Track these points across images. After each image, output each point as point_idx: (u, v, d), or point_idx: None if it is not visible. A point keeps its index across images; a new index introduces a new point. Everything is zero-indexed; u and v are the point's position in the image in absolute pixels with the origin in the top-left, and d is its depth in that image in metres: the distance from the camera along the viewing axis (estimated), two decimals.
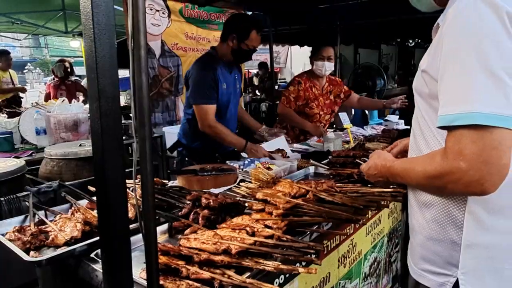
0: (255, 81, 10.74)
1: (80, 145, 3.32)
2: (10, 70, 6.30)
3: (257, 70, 10.82)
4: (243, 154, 2.62)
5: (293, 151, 2.78)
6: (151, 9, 4.53)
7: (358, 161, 1.98)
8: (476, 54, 0.83)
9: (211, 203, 1.45)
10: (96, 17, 0.57)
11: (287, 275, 1.34)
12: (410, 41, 10.42)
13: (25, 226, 1.47)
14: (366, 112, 4.30)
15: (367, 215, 1.80)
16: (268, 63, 7.02)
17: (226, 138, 2.59)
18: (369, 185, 1.71)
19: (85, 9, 0.59)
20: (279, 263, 1.05)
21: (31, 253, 1.29)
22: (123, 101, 8.24)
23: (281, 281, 1.32)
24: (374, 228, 2.06)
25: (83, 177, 2.79)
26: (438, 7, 1.07)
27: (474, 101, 0.83)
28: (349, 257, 1.82)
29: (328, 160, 2.35)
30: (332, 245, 1.63)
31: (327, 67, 3.27)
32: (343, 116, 2.99)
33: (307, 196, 1.54)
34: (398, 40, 9.87)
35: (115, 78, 0.65)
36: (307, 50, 7.86)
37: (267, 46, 5.82)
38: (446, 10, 0.94)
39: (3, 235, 1.39)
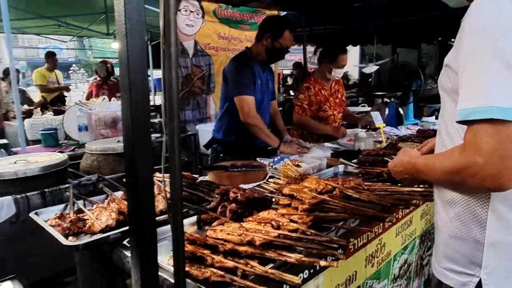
0: (289, 81, 10.74)
1: (118, 141, 3.49)
2: (56, 71, 6.69)
3: (292, 71, 10.81)
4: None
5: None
6: (186, 10, 4.66)
7: (387, 158, 1.95)
8: (493, 49, 0.84)
9: (239, 197, 1.48)
10: (128, 14, 0.62)
11: (312, 271, 1.35)
12: (452, 40, 10.01)
13: (65, 213, 1.57)
14: (401, 112, 4.19)
15: (395, 214, 1.77)
16: (302, 63, 6.99)
17: (263, 132, 2.66)
18: (399, 185, 1.68)
19: (118, 6, 0.63)
20: (302, 256, 1.06)
21: (70, 238, 1.38)
22: (159, 101, 8.52)
23: (305, 276, 1.33)
24: (405, 229, 2.01)
25: (120, 171, 2.92)
26: (467, 2, 1.05)
27: (491, 96, 0.83)
28: (377, 257, 1.80)
29: (357, 159, 2.33)
30: (359, 244, 1.62)
31: (342, 73, 3.35)
32: (375, 115, 2.93)
33: (334, 192, 1.54)
34: (440, 39, 9.51)
35: (144, 71, 0.70)
36: None
37: (302, 47, 5.82)
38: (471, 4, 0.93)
39: (45, 221, 1.50)
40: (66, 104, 6.43)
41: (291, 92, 9.64)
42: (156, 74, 8.61)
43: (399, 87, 4.96)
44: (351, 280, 1.62)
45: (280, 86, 10.02)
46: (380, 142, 2.86)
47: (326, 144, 3.03)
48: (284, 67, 12.19)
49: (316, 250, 1.09)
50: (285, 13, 5.32)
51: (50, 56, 6.31)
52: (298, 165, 2.13)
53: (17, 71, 6.22)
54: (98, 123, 4.09)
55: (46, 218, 1.55)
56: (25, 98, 6.46)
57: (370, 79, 9.06)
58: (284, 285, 1.22)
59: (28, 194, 2.61)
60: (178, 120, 0.91)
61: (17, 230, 2.58)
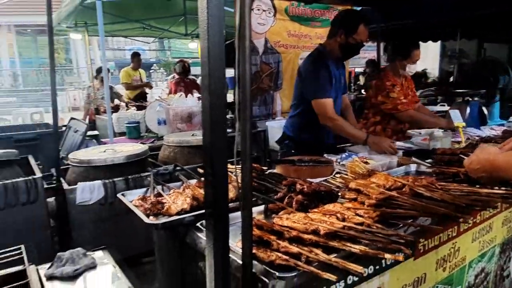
0: (361, 79, 10.40)
1: (193, 134, 3.72)
2: (140, 69, 7.27)
3: (364, 68, 10.46)
4: (354, 148, 2.63)
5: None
6: (258, 9, 4.79)
7: (462, 156, 1.83)
8: None
9: (305, 189, 1.52)
10: (210, 10, 0.69)
11: (377, 266, 1.34)
12: None
13: (146, 196, 1.74)
14: (485, 111, 3.85)
15: (473, 218, 1.67)
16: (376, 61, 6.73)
17: (347, 130, 2.64)
18: (477, 186, 1.58)
19: (201, 3, 0.71)
20: (366, 248, 1.07)
21: (150, 217, 1.53)
22: (230, 98, 8.81)
23: (370, 271, 1.32)
24: (484, 235, 1.88)
25: (194, 162, 3.11)
26: None
27: None
28: (450, 261, 1.71)
29: (432, 158, 2.21)
30: (429, 245, 1.56)
31: (415, 68, 3.23)
32: (454, 114, 2.74)
33: (403, 189, 1.50)
34: None
35: (223, 63, 0.76)
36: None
37: (375, 43, 5.63)
38: None
39: (130, 202, 1.68)
40: (148, 100, 6.98)
41: (363, 91, 9.34)
42: (228, 73, 8.90)
43: (483, 84, 4.55)
44: (419, 282, 1.57)
45: (352, 84, 9.76)
46: (459, 142, 2.68)
47: (398, 143, 2.92)
48: (356, 65, 11.84)
49: (382, 243, 1.09)
50: (359, 8, 5.20)
51: (135, 56, 6.89)
52: (366, 162, 2.10)
53: (108, 70, 6.88)
54: (175, 118, 4.38)
55: (130, 199, 1.72)
56: (112, 94, 7.13)
57: (451, 77, 8.43)
58: (348, 277, 1.23)
59: (114, 179, 2.92)
60: (250, 108, 0.97)
61: (105, 211, 2.90)
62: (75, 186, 2.79)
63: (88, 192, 2.83)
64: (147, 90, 7.36)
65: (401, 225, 1.35)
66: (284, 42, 5.21)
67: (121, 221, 2.93)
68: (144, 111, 5.33)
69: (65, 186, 2.83)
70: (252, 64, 4.87)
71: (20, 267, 1.18)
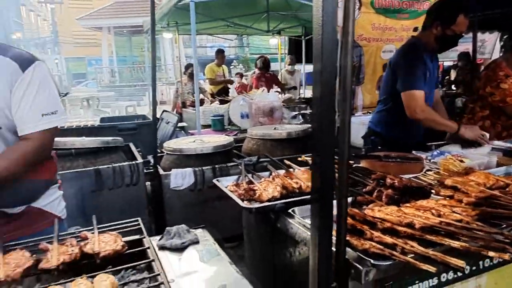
0: (452, 74, 9.63)
1: (275, 128, 3.84)
2: (223, 66, 7.62)
3: (455, 62, 9.67)
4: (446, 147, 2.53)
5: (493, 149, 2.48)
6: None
7: None
8: None
9: (396, 184, 1.51)
10: (325, 8, 0.75)
11: (474, 267, 1.29)
12: None
13: (239, 182, 1.87)
14: None
15: None
16: (471, 54, 6.21)
17: (439, 122, 2.55)
18: None
19: (317, 1, 0.77)
20: (466, 244, 1.05)
21: (244, 202, 1.65)
22: (309, 94, 8.80)
23: (466, 272, 1.28)
24: None
25: (276, 155, 3.19)
26: None
27: None
28: None
29: None
30: None
31: None
32: None
33: (507, 189, 1.41)
34: None
35: (334, 57, 0.81)
36: None
37: (470, 35, 5.20)
38: None
39: (225, 187, 1.82)
40: (230, 95, 7.30)
41: (453, 87, 8.66)
42: (307, 68, 8.90)
43: None
44: None
45: (439, 79, 9.09)
46: None
47: (496, 142, 2.69)
48: (444, 58, 10.97)
49: (484, 241, 1.06)
50: None
51: (220, 53, 7.24)
52: (461, 161, 1.99)
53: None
54: (257, 112, 4.54)
55: (225, 185, 1.87)
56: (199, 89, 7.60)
57: None
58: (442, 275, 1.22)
59: (203, 168, 3.15)
60: (350, 100, 1.01)
61: (194, 197, 3.15)
62: (169, 172, 3.07)
63: (181, 178, 3.09)
64: (229, 85, 7.69)
65: (504, 225, 1.28)
66: (367, 35, 5.08)
67: (208, 207, 3.16)
68: (226, 105, 5.61)
69: (161, 171, 3.13)
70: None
71: (137, 236, 1.37)
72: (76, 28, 28.12)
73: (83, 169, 2.84)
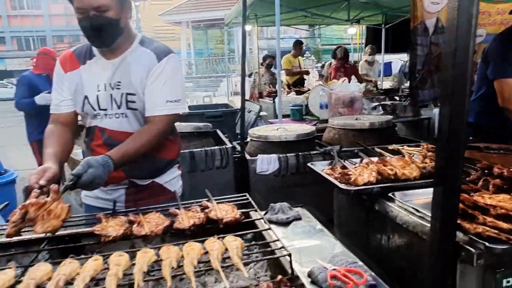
0: None
1: (356, 119, 3.81)
2: (299, 57, 7.67)
3: None
4: None
5: None
6: None
7: None
8: None
9: (505, 174, 1.47)
10: None
11: None
12: None
13: (333, 166, 1.94)
14: None
15: None
16: None
17: None
18: None
19: None
20: None
21: (342, 185, 1.72)
22: (387, 85, 8.49)
23: None
24: None
25: (357, 145, 3.21)
26: None
27: None
28: None
29: None
30: None
31: None
32: None
33: None
34: None
35: (469, 37, 0.83)
36: None
37: None
38: None
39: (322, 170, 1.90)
40: (305, 85, 7.34)
41: None
42: (386, 58, 8.57)
43: None
44: None
45: None
46: None
47: None
48: None
49: None
50: None
51: (298, 44, 7.30)
52: None
53: (273, 58, 7.48)
54: (337, 102, 4.53)
55: (320, 169, 1.95)
56: (274, 80, 7.74)
57: None
58: None
59: (287, 154, 3.26)
60: (469, 89, 1.02)
61: (278, 182, 3.28)
62: (255, 158, 3.23)
63: (266, 164, 3.24)
64: (305, 76, 7.72)
65: None
66: None
67: (291, 192, 3.27)
68: (303, 96, 5.66)
69: (247, 156, 3.30)
70: (423, 45, 4.62)
71: (247, 210, 1.52)
72: (157, 24, 29.98)
73: (180, 151, 3.12)
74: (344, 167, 1.97)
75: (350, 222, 1.92)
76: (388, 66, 10.75)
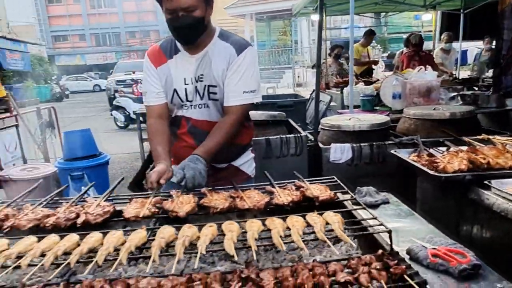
0: None
1: (434, 109, 3.67)
2: (368, 47, 7.46)
3: None
4: None
5: None
6: None
7: None
8: None
9: None
10: None
11: None
12: None
13: (419, 154, 1.93)
14: None
15: None
16: None
17: None
18: None
19: None
20: None
21: (432, 171, 1.71)
22: (465, 75, 7.95)
23: None
24: None
25: (435, 136, 3.09)
26: None
27: None
28: None
29: None
30: None
31: None
32: None
33: None
34: None
35: None
36: None
37: None
38: None
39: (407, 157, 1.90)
40: (373, 76, 7.13)
41: None
42: (464, 46, 8.00)
43: None
44: None
45: None
46: None
47: None
48: None
49: None
50: None
51: (369, 34, 7.11)
52: None
53: (341, 47, 7.37)
54: (412, 92, 4.38)
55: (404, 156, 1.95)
56: (342, 70, 7.62)
57: None
58: None
59: (361, 144, 3.25)
60: None
61: (351, 171, 3.29)
62: (329, 146, 3.26)
63: (340, 152, 3.26)
64: (373, 66, 7.50)
65: None
66: None
67: (363, 182, 3.24)
68: (372, 86, 5.53)
69: (321, 145, 3.35)
70: (509, 29, 4.27)
71: (336, 191, 1.58)
72: (221, 17, 30.67)
73: (256, 138, 3.26)
74: (430, 155, 1.95)
75: (436, 211, 1.89)
76: (464, 54, 10.03)
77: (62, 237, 1.19)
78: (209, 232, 1.16)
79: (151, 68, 1.86)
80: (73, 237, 1.19)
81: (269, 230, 1.18)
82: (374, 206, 1.56)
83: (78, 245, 1.15)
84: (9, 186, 3.48)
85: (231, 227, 1.18)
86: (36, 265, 1.08)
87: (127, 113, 10.16)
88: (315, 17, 8.13)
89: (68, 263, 1.07)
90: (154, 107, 1.86)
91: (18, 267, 1.07)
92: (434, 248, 1.11)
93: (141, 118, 5.34)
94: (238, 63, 1.75)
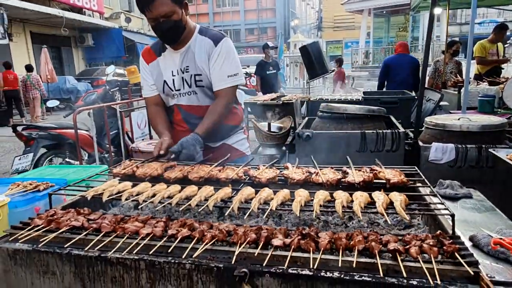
0: None
1: None
2: (498, 43, 6.64)
3: None
4: None
5: None
6: None
7: None
8: None
9: None
10: None
11: None
12: None
13: None
14: None
15: None
16: None
17: None
18: None
19: None
20: None
21: None
22: None
23: None
24: None
25: None
26: None
27: None
28: None
29: None
30: None
31: None
32: None
33: None
34: None
35: None
36: None
37: None
38: None
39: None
40: (501, 76, 6.33)
41: None
42: None
43: None
44: None
45: None
46: None
47: None
48: None
49: None
50: None
51: (500, 28, 6.33)
52: None
53: (460, 43, 6.74)
54: None
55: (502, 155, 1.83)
56: (459, 70, 6.95)
57: None
58: None
59: (467, 145, 3.04)
60: None
61: (452, 173, 3.09)
62: (430, 145, 3.13)
63: (441, 152, 3.10)
64: (502, 65, 6.67)
65: None
66: None
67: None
68: (497, 87, 4.95)
69: (420, 143, 3.23)
70: None
71: (414, 179, 1.60)
72: (338, 13, 30.27)
73: (352, 131, 3.30)
74: None
75: None
76: None
77: (168, 186, 1.51)
78: (282, 195, 1.34)
79: (144, 65, 2.20)
80: (176, 186, 1.50)
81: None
82: (454, 199, 1.54)
83: (179, 192, 1.45)
84: (138, 156, 4.19)
85: (301, 193, 1.34)
86: (148, 201, 1.41)
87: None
88: (438, 11, 7.55)
89: (170, 203, 1.37)
90: (150, 97, 2.22)
91: (136, 201, 1.42)
92: (500, 238, 1.11)
93: (249, 109, 5.75)
94: (217, 52, 2.02)
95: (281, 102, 4.38)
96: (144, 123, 5.51)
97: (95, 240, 1.20)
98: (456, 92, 5.59)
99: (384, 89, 6.38)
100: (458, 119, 3.37)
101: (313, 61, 6.80)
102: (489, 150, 1.96)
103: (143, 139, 5.32)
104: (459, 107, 5.02)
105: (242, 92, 11.11)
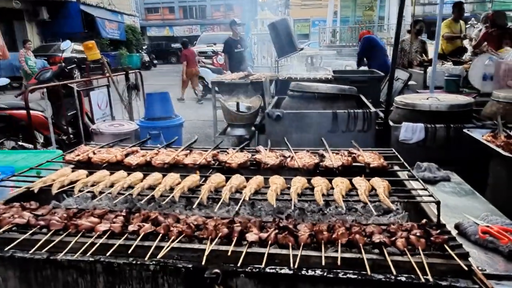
0: None
1: None
2: (461, 23, 6.76)
3: None
4: None
5: None
6: None
7: None
8: None
9: None
10: None
11: None
12: None
13: (496, 134, 1.77)
14: None
15: None
16: None
17: None
18: None
19: None
20: None
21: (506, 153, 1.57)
22: None
23: None
24: None
25: None
26: None
27: None
28: None
29: None
30: None
31: None
32: None
33: None
34: None
35: None
36: None
37: None
38: None
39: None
40: (464, 57, 6.47)
41: None
42: None
43: None
44: None
45: None
46: None
47: None
48: None
49: None
50: None
51: (457, 5, 6.46)
52: None
53: (423, 22, 6.80)
54: (508, 73, 3.92)
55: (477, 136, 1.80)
56: (424, 49, 7.04)
57: None
58: None
59: (436, 125, 3.04)
60: None
61: (421, 153, 3.09)
62: (400, 125, 3.11)
63: (411, 132, 3.09)
64: (467, 45, 6.81)
65: None
66: None
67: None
68: (462, 66, 5.03)
69: (391, 123, 3.20)
70: None
71: (391, 162, 1.54)
72: None
73: (323, 111, 3.22)
74: (509, 136, 1.78)
75: (508, 198, 1.74)
76: None
77: (129, 174, 1.35)
78: (255, 183, 1.23)
79: None
80: (138, 174, 1.34)
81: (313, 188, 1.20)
82: (432, 182, 1.49)
83: (141, 181, 1.29)
84: (99, 138, 3.93)
85: (276, 180, 1.23)
86: (105, 193, 1.25)
87: (206, 83, 10.58)
88: None
89: (131, 194, 1.22)
90: None
91: (91, 192, 1.25)
92: (487, 226, 1.05)
93: (216, 88, 5.55)
94: None
95: (249, 81, 4.23)
96: (105, 103, 5.19)
97: (43, 240, 1.04)
98: (422, 72, 5.65)
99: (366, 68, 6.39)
100: (427, 99, 3.37)
101: (282, 39, 6.65)
102: (463, 130, 1.93)
103: (104, 120, 5.02)
104: (425, 86, 5.08)
105: (209, 71, 10.80)
